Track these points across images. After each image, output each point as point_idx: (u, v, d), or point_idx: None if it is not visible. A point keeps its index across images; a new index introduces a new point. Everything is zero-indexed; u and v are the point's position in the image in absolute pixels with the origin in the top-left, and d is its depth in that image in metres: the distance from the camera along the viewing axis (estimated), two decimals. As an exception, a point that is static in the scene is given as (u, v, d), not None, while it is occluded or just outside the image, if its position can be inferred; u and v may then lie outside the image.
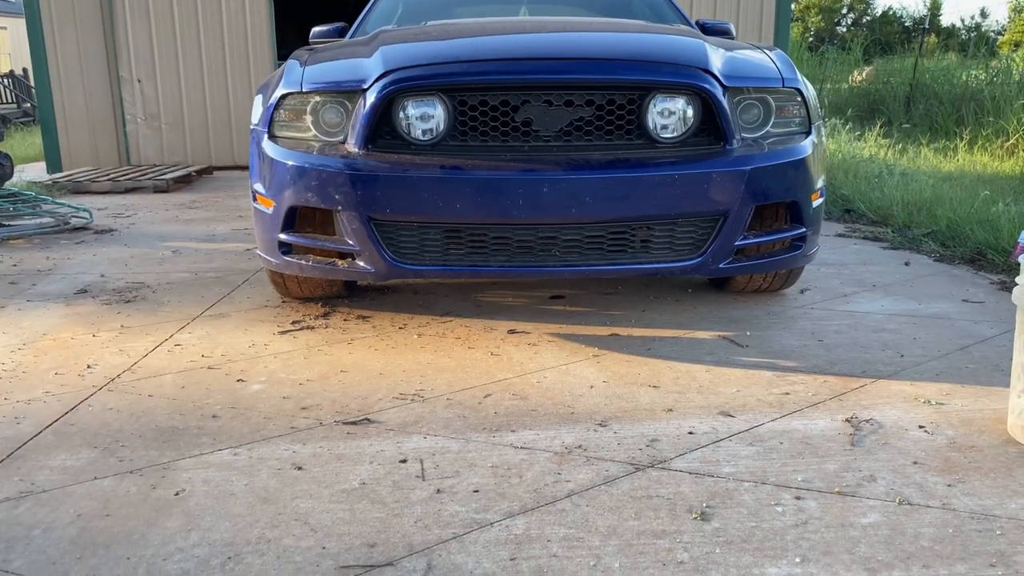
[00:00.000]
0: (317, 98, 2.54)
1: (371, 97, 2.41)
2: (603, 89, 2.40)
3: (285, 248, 2.65)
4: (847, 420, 2.03)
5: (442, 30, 2.91)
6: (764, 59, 2.66)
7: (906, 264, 3.69)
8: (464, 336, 2.70)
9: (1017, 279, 1.89)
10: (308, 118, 2.56)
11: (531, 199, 2.34)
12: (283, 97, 2.58)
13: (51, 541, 1.54)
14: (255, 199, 2.72)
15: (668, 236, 2.47)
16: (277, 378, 2.35)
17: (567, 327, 2.78)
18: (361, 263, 2.51)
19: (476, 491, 1.70)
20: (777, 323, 2.81)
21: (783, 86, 2.58)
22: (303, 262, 2.62)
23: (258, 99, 2.82)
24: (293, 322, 2.89)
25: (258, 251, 2.82)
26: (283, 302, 3.12)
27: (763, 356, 2.49)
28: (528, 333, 2.73)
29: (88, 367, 2.45)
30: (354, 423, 2.04)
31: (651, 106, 2.43)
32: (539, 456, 1.85)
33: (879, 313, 2.91)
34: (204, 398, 2.20)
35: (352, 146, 2.46)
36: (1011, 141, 6.90)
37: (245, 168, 6.72)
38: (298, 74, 2.59)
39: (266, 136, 2.63)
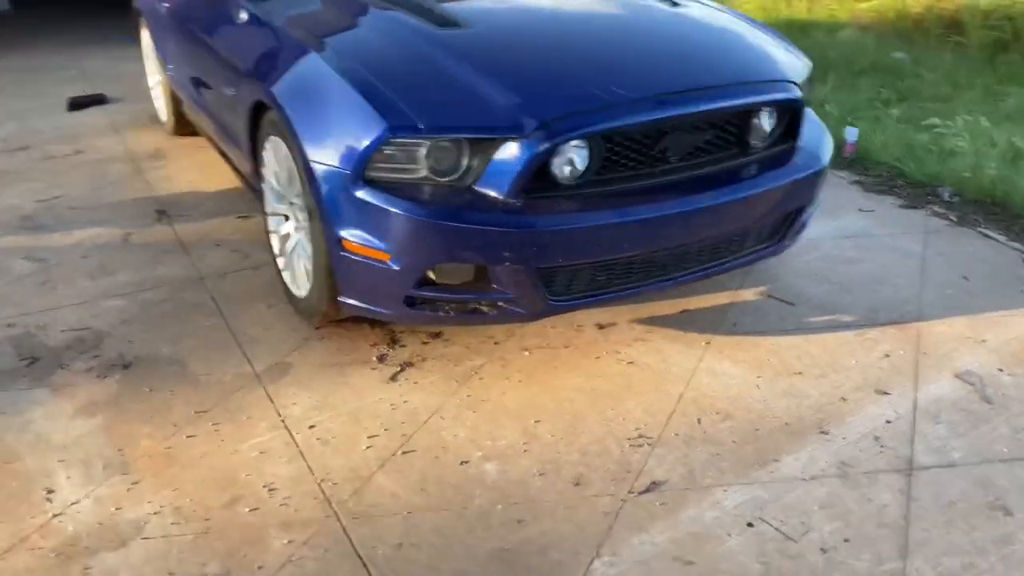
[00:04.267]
0: (442, 143, 2.33)
1: (533, 148, 2.29)
2: (728, 112, 2.54)
3: (412, 301, 2.48)
4: (957, 376, 2.64)
5: (521, 40, 2.71)
6: (790, 56, 2.94)
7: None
8: (570, 343, 2.80)
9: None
10: (423, 161, 2.34)
11: (685, 225, 2.49)
12: (388, 140, 2.31)
13: None
14: (343, 247, 2.46)
15: (761, 230, 2.78)
16: (485, 447, 2.32)
17: (636, 309, 2.98)
18: (515, 308, 2.47)
19: (847, 540, 2.03)
20: (782, 268, 3.29)
21: (809, 76, 2.92)
22: (439, 313, 2.49)
23: (300, 117, 2.46)
24: (379, 358, 2.73)
25: (346, 298, 2.57)
26: (315, 331, 2.87)
27: (817, 313, 2.99)
28: (616, 324, 2.92)
29: (233, 499, 2.17)
30: (646, 491, 2.18)
31: (754, 120, 2.64)
32: (832, 483, 2.20)
33: (835, 239, 3.53)
34: (464, 499, 2.13)
35: (498, 193, 2.33)
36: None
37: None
38: (396, 106, 2.30)
39: (360, 181, 2.36)
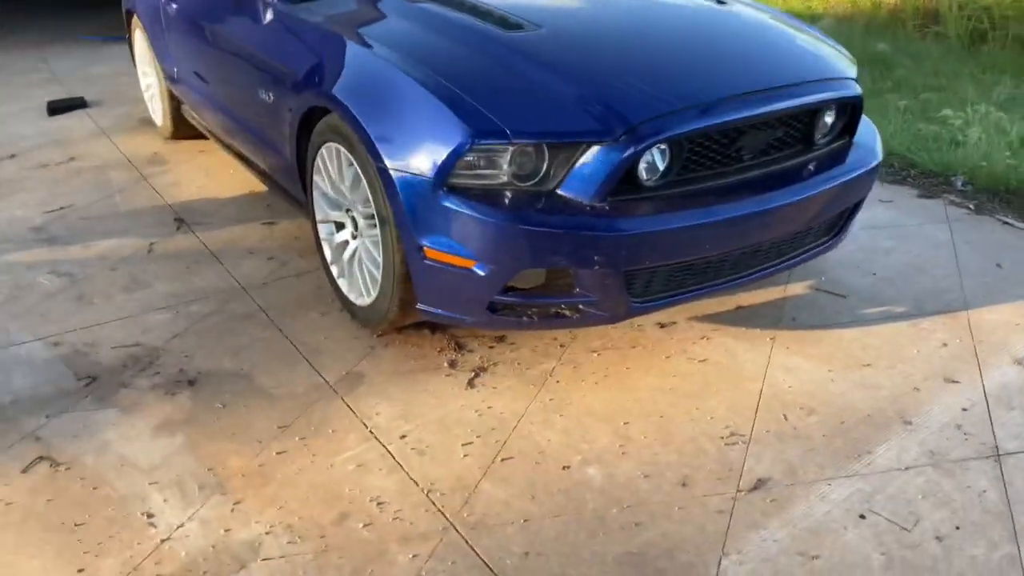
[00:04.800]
0: (527, 148, 2.32)
1: (621, 152, 2.29)
2: (801, 110, 2.58)
3: (495, 307, 2.46)
4: (1017, 363, 2.74)
5: (590, 42, 2.69)
6: (840, 53, 3.00)
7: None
8: (636, 343, 2.81)
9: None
10: (506, 166, 2.33)
11: (762, 223, 2.52)
12: (472, 146, 2.29)
13: None
14: (424, 254, 2.43)
15: (821, 225, 2.83)
16: (582, 450, 2.32)
17: (692, 308, 3.00)
18: (597, 311, 2.47)
19: (958, 528, 2.08)
20: (825, 261, 3.34)
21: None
22: (522, 319, 2.48)
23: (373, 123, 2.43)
24: (450, 363, 2.71)
25: (426, 306, 2.54)
26: (378, 339, 2.83)
27: (868, 305, 3.06)
28: (676, 323, 2.95)
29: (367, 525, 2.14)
30: (754, 489, 2.20)
31: (820, 117, 2.68)
32: (927, 472, 2.26)
33: (867, 229, 3.62)
34: (577, 505, 2.14)
35: (583, 197, 2.33)
36: None
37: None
38: (478, 111, 2.29)
39: (443, 188, 2.33)
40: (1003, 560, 1.97)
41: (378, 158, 2.45)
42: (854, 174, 2.69)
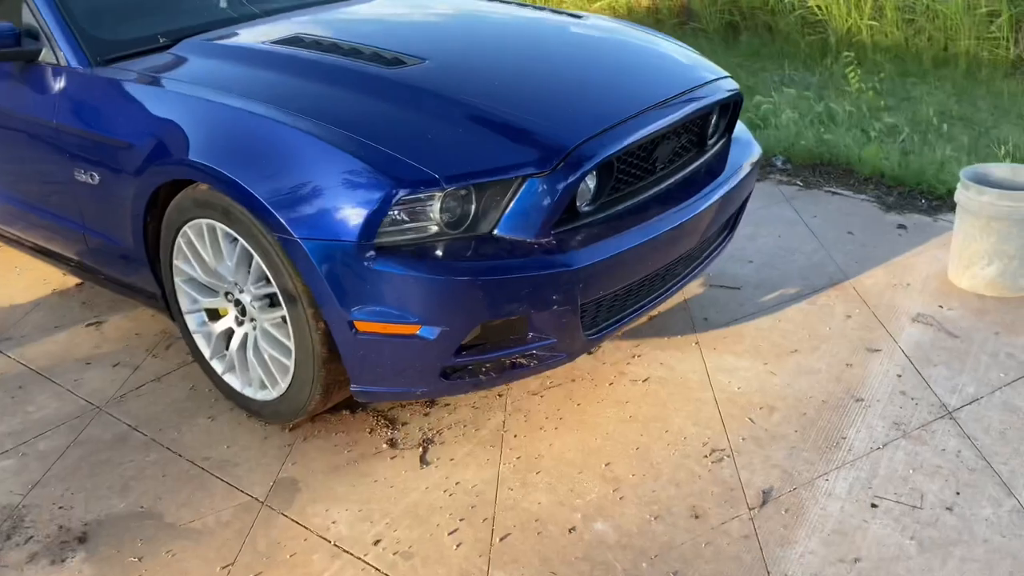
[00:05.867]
0: (460, 191, 2.10)
1: (561, 180, 2.13)
2: (699, 113, 2.56)
3: (447, 372, 2.22)
4: (916, 320, 2.90)
5: (485, 71, 2.48)
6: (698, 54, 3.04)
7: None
8: (573, 376, 2.67)
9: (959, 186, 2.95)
10: (436, 215, 2.10)
11: (692, 230, 2.48)
12: (400, 199, 2.05)
13: None
14: (356, 329, 2.14)
15: (720, 227, 2.84)
16: (578, 506, 2.14)
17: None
18: (554, 352, 2.30)
19: (958, 493, 2.13)
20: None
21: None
22: (479, 378, 2.25)
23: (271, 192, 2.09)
24: (389, 443, 2.41)
25: (363, 386, 2.24)
26: (290, 432, 2.48)
27: (763, 292, 3.13)
28: (601, 347, 2.84)
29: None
30: (763, 504, 2.13)
31: (712, 117, 2.69)
32: (902, 444, 2.30)
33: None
34: (604, 569, 1.95)
35: (525, 235, 2.15)
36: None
37: None
38: (396, 160, 2.04)
39: (370, 250, 2.07)
40: (1013, 514, 2.03)
41: (279, 228, 2.10)
42: (749, 166, 2.72)
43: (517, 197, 2.12)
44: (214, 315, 2.55)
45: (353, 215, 2.04)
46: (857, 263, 3.28)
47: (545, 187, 2.12)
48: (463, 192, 2.08)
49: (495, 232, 2.14)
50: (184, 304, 2.55)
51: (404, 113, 2.21)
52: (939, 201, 3.80)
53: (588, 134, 2.19)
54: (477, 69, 2.46)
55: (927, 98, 5.10)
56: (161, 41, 2.72)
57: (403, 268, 2.05)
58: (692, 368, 2.66)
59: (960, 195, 2.98)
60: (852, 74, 4.92)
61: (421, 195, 2.04)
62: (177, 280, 2.53)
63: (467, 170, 2.08)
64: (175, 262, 2.49)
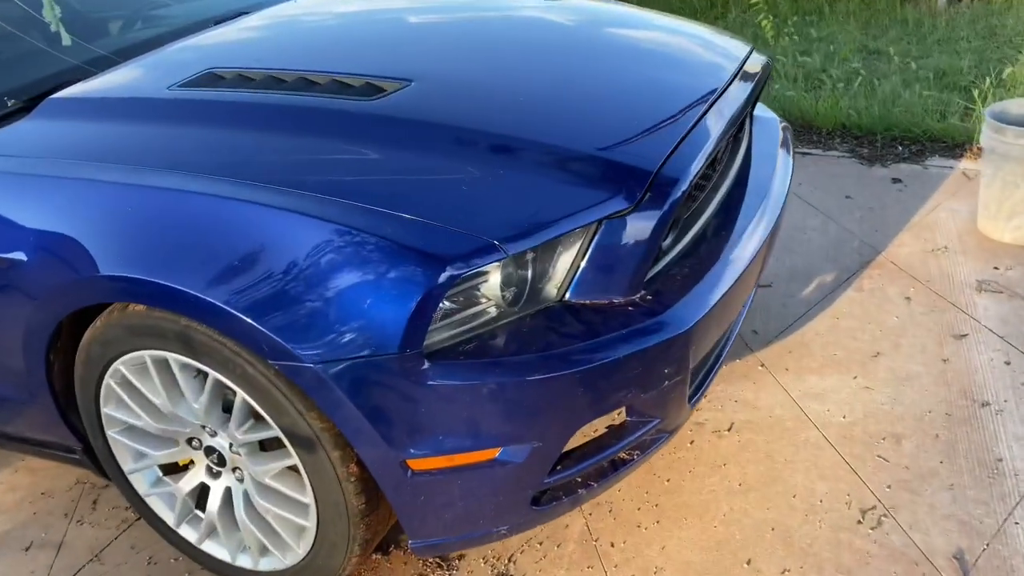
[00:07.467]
0: (523, 256, 1.53)
1: (653, 214, 1.59)
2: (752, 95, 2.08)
3: (539, 496, 1.65)
4: (981, 290, 2.56)
5: (493, 87, 1.86)
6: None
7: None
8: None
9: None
10: (497, 293, 1.53)
11: (772, 243, 2.02)
12: (457, 280, 1.45)
13: None
14: (410, 469, 1.54)
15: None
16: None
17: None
18: (658, 433, 1.77)
19: None
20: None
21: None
22: (578, 493, 1.68)
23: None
24: (458, 596, 1.83)
25: (426, 539, 1.64)
26: None
27: (797, 285, 2.72)
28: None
29: None
30: (963, 563, 1.70)
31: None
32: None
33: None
34: None
35: (614, 295, 1.61)
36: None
37: None
38: (433, 231, 1.44)
39: (421, 358, 1.47)
40: None
41: (279, 353, 1.45)
42: (787, 140, 2.28)
43: (592, 247, 1.56)
44: (172, 467, 1.85)
45: (390, 317, 1.41)
46: (877, 231, 2.91)
47: (631, 227, 1.56)
48: (530, 255, 1.50)
49: (567, 299, 1.57)
50: (127, 463, 1.84)
51: (416, 160, 1.60)
52: (918, 145, 3.51)
53: (667, 148, 1.65)
54: (484, 84, 1.86)
55: (840, 37, 4.85)
56: (10, 104, 1.95)
57: (469, 376, 1.45)
58: (776, 401, 2.20)
59: (992, 140, 2.65)
60: (765, 22, 4.59)
61: (478, 270, 1.44)
62: (111, 432, 1.81)
63: (529, 224, 1.49)
64: (104, 410, 1.77)
